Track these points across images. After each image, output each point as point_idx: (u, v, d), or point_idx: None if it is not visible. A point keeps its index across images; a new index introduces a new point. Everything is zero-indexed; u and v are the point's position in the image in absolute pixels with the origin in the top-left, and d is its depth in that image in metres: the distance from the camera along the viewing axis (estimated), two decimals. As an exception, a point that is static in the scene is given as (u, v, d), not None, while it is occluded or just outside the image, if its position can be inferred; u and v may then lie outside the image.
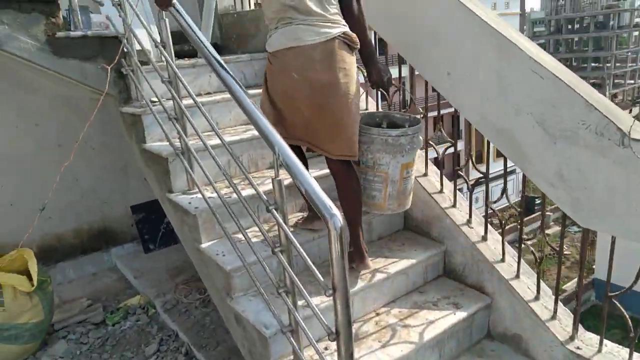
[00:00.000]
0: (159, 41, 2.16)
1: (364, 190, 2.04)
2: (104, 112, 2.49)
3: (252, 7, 3.47)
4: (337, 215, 1.24)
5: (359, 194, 1.96)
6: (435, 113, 2.34)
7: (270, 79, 1.87)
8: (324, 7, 1.76)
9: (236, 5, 3.48)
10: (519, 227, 2.04)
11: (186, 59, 2.83)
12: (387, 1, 2.18)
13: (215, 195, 1.90)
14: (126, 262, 3.41)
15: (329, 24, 1.76)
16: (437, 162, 2.38)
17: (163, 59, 2.10)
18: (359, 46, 1.86)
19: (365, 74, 2.02)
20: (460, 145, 3.47)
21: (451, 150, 2.34)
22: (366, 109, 2.69)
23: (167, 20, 2.04)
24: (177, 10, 1.90)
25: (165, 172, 2.18)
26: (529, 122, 1.71)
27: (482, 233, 2.16)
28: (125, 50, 2.38)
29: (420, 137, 2.04)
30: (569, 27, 40.98)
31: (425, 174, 2.36)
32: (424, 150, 2.42)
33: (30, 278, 2.38)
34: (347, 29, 1.81)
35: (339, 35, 1.77)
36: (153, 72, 2.26)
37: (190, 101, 1.92)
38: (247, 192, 2.03)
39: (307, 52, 1.73)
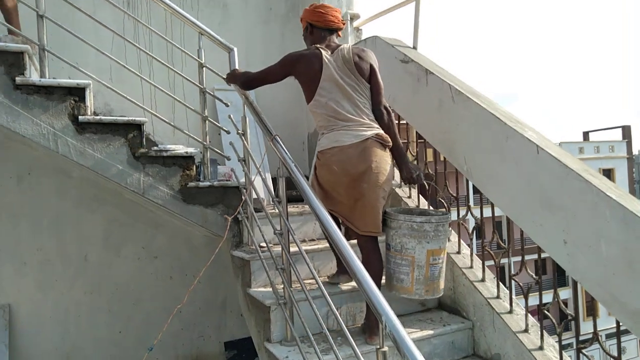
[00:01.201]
0: (274, 196, 2.36)
1: (394, 274, 2.25)
2: (214, 248, 2.68)
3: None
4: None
5: (381, 266, 2.23)
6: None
7: (319, 170, 2.26)
8: (359, 115, 2.20)
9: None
10: None
11: (294, 204, 3.05)
12: (491, 165, 2.23)
13: (312, 350, 1.87)
14: (211, 403, 3.33)
15: (364, 128, 2.17)
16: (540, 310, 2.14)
17: (273, 205, 2.28)
18: (391, 144, 2.24)
19: (399, 172, 2.34)
20: (567, 293, 3.12)
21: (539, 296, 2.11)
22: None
23: (283, 179, 2.24)
24: (289, 163, 2.11)
25: (266, 320, 2.21)
26: (670, 307, 1.51)
27: None
28: (242, 198, 2.63)
29: (448, 227, 2.28)
30: (688, 170, 37.89)
31: (541, 348, 2.11)
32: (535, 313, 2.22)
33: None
34: (380, 131, 2.20)
35: (372, 137, 2.16)
36: (264, 218, 2.44)
37: (297, 248, 2.01)
38: (345, 351, 1.96)
39: (345, 150, 2.15)
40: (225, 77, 2.68)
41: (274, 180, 3.63)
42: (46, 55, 2.37)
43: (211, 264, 3.40)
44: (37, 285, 3.06)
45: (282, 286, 2.16)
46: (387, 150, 2.23)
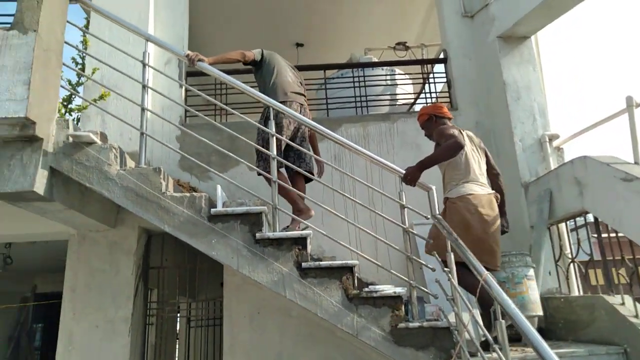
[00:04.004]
0: (491, 339, 2.19)
1: None
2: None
3: (581, 291, 3.26)
4: None
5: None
6: None
7: (452, 214, 2.98)
8: (480, 177, 3.09)
9: (561, 287, 3.34)
10: None
11: (511, 346, 2.74)
12: None
13: None
14: None
15: (486, 186, 3.10)
16: None
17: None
18: (499, 200, 3.11)
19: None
20: None
21: None
22: None
23: (503, 322, 2.08)
24: (507, 304, 1.96)
25: None
26: None
27: None
28: (455, 341, 2.49)
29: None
30: None
31: None
32: None
33: None
34: (492, 191, 3.13)
35: (492, 193, 3.08)
36: (481, 364, 2.24)
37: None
38: None
39: (479, 197, 2.99)
40: (404, 181, 2.95)
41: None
42: (277, 212, 2.83)
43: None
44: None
45: None
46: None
